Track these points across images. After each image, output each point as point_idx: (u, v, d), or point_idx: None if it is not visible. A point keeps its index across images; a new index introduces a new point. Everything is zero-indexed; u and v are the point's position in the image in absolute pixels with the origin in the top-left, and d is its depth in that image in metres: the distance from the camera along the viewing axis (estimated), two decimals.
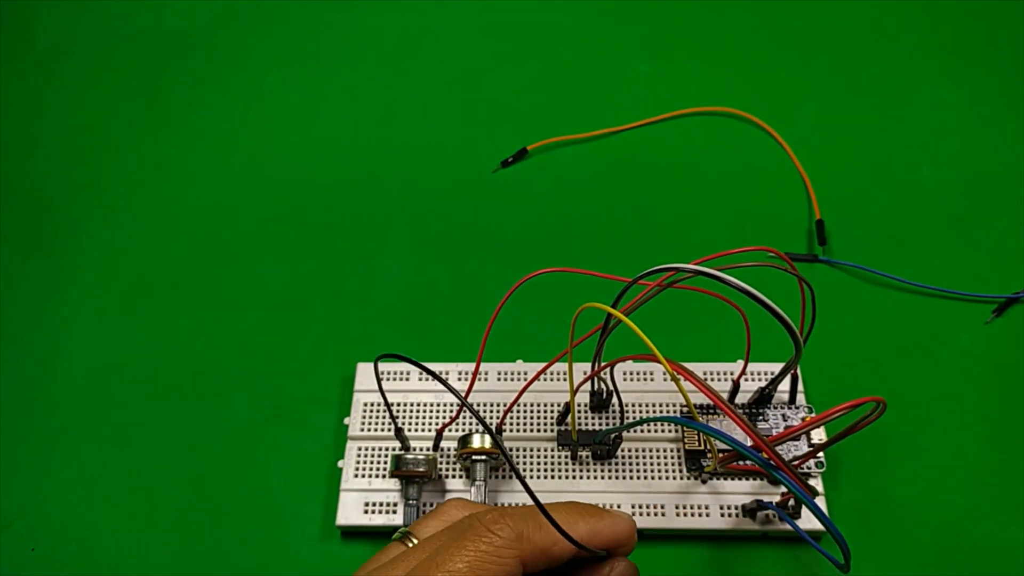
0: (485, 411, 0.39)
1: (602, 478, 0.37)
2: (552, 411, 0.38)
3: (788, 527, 0.34)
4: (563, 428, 0.38)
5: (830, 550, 0.31)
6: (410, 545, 0.26)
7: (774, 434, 0.37)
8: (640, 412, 0.38)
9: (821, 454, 0.36)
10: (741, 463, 0.36)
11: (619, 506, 0.36)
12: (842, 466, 0.38)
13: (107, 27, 0.56)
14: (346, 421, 0.38)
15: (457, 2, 0.56)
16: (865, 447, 0.38)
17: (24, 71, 0.54)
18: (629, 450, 0.37)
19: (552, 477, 0.37)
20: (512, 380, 0.39)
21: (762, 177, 0.48)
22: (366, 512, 0.36)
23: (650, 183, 0.48)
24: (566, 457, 0.37)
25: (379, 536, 0.37)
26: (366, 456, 0.37)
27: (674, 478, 0.36)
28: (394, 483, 0.37)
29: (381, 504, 0.36)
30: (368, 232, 0.46)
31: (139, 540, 0.37)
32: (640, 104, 0.51)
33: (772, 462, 0.28)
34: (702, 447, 0.36)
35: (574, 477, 0.37)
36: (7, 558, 0.37)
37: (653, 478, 0.36)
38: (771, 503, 0.34)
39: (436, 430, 0.37)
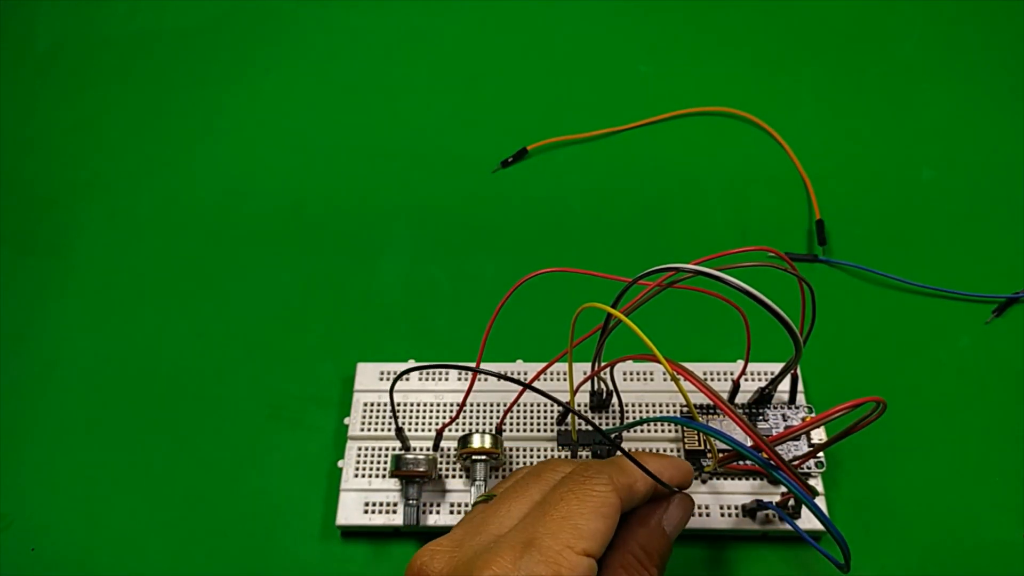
0: (485, 411, 0.39)
1: None
2: (552, 411, 0.38)
3: (788, 527, 0.34)
4: (563, 428, 0.38)
5: (830, 550, 0.31)
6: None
7: (774, 434, 0.37)
8: (640, 412, 0.38)
9: (821, 454, 0.36)
10: (741, 463, 0.36)
11: None
12: (842, 466, 0.38)
13: (107, 27, 0.56)
14: (346, 421, 0.38)
15: (458, 2, 0.56)
16: (865, 447, 0.38)
17: (24, 71, 0.54)
18: (629, 450, 0.37)
19: None
20: None
21: (762, 177, 0.48)
22: (366, 512, 0.36)
23: (650, 183, 0.48)
24: (566, 457, 0.37)
25: (379, 536, 0.37)
26: (366, 456, 0.37)
27: None
28: (394, 483, 0.37)
29: (381, 504, 0.36)
30: (368, 232, 0.46)
31: (139, 540, 0.37)
32: (640, 104, 0.51)
33: (772, 462, 0.28)
34: (702, 447, 0.36)
35: None
36: (7, 558, 0.37)
37: None
38: (771, 503, 0.34)
39: (436, 430, 0.37)
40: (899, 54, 0.53)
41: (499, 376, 0.30)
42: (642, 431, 0.38)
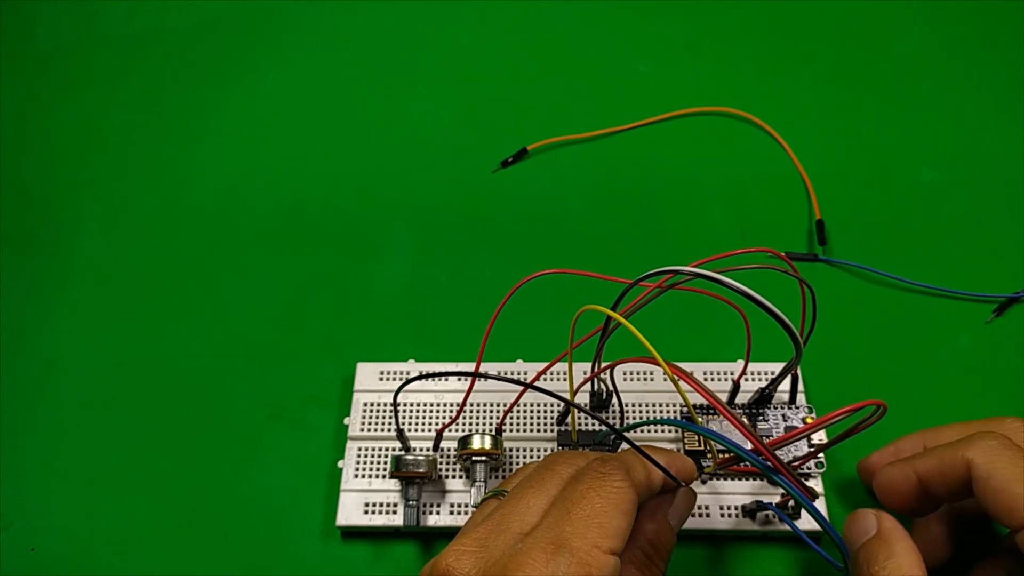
0: (485, 411, 0.39)
1: None
2: (552, 411, 0.38)
3: (788, 527, 0.34)
4: (563, 428, 0.38)
5: (830, 551, 0.31)
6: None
7: (774, 435, 0.37)
8: (640, 412, 0.38)
9: (821, 455, 0.36)
10: (741, 464, 0.36)
11: None
12: (842, 466, 0.38)
13: (107, 27, 0.56)
14: (346, 421, 0.38)
15: (458, 3, 0.56)
16: (865, 447, 0.38)
17: (24, 71, 0.54)
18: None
19: None
20: None
21: (762, 177, 0.48)
22: (366, 512, 0.36)
23: (650, 183, 0.48)
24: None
25: (379, 536, 0.37)
26: (366, 456, 0.37)
27: None
28: (394, 483, 0.37)
29: (381, 504, 0.36)
30: (368, 232, 0.46)
31: (139, 540, 0.37)
32: (640, 104, 0.51)
33: (771, 466, 0.28)
34: (702, 447, 0.36)
35: None
36: (7, 558, 0.37)
37: None
38: (771, 504, 0.34)
39: (436, 431, 0.37)
40: (899, 54, 0.53)
41: (499, 378, 0.30)
42: (642, 431, 0.38)
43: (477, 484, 0.35)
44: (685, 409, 0.38)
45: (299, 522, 0.37)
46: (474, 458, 0.35)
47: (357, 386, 0.39)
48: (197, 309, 0.44)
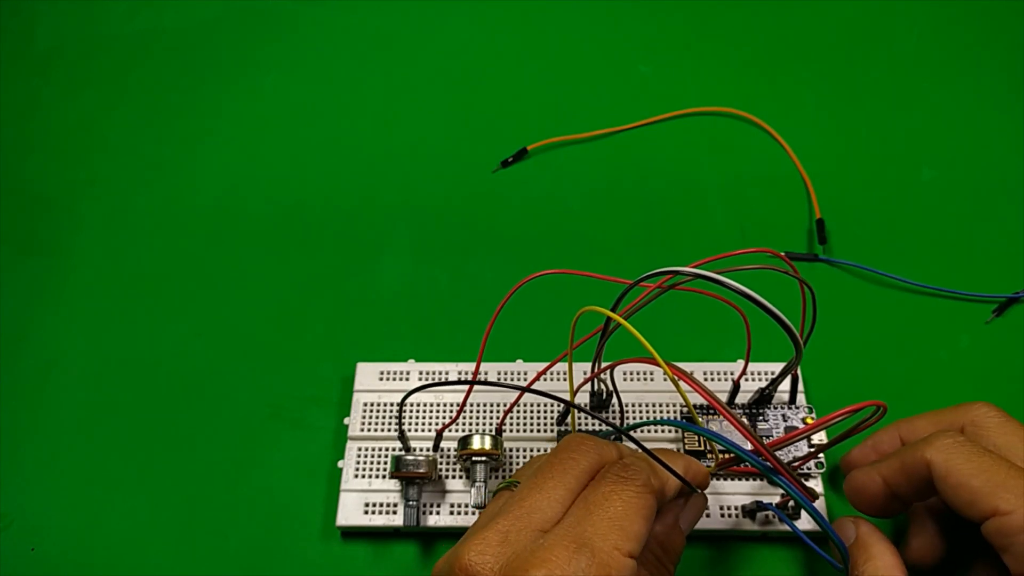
0: (485, 411, 0.39)
1: None
2: (552, 411, 0.38)
3: (788, 528, 0.34)
4: (563, 428, 0.38)
5: (830, 551, 0.31)
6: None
7: (774, 436, 0.37)
8: (640, 413, 0.38)
9: (821, 455, 0.36)
10: (741, 465, 0.35)
11: None
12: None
13: (107, 27, 0.56)
14: (346, 421, 0.38)
15: (458, 2, 0.56)
16: None
17: (24, 71, 0.54)
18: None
19: None
20: (512, 380, 0.39)
21: (762, 177, 0.48)
22: (366, 513, 0.36)
23: (650, 183, 0.48)
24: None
25: (379, 536, 0.37)
26: (366, 456, 0.37)
27: None
28: (394, 484, 0.37)
29: (381, 504, 0.36)
30: (368, 232, 0.46)
31: (139, 540, 0.37)
32: (640, 104, 0.51)
33: (771, 466, 0.28)
34: (702, 448, 0.36)
35: None
36: (7, 558, 0.37)
37: None
38: (771, 504, 0.34)
39: (436, 431, 0.37)
40: (899, 54, 0.53)
41: (498, 384, 0.30)
42: (642, 432, 0.38)
43: (477, 484, 0.35)
44: (685, 409, 0.38)
45: (299, 522, 0.37)
46: (474, 458, 0.35)
47: (357, 386, 0.39)
48: (197, 309, 0.44)
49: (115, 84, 0.53)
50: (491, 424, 0.38)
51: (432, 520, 0.36)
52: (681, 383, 0.29)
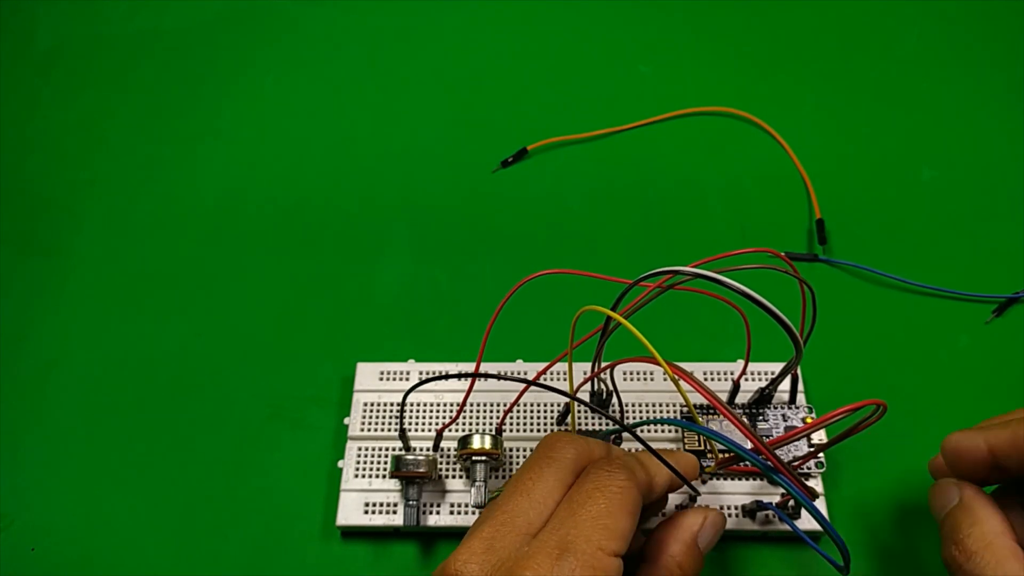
0: (485, 411, 0.39)
1: None
2: (552, 411, 0.38)
3: (788, 527, 0.34)
4: (563, 428, 0.38)
5: (830, 551, 0.31)
6: None
7: (774, 435, 0.37)
8: (640, 412, 0.38)
9: (821, 455, 0.36)
10: (742, 464, 0.36)
11: None
12: (842, 466, 0.38)
13: (107, 27, 0.56)
14: (346, 421, 0.38)
15: (458, 2, 0.56)
16: (865, 447, 0.38)
17: (24, 71, 0.54)
18: (629, 450, 0.37)
19: None
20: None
21: (762, 177, 0.48)
22: (366, 512, 0.36)
23: (650, 183, 0.48)
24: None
25: (379, 536, 0.37)
26: (366, 456, 0.37)
27: None
28: (394, 483, 0.37)
29: (381, 504, 0.36)
30: (368, 232, 0.46)
31: (139, 540, 0.37)
32: (640, 104, 0.51)
33: (771, 465, 0.28)
34: (702, 447, 0.36)
35: None
36: (7, 558, 0.37)
37: None
38: (771, 504, 0.34)
39: (436, 430, 0.37)
40: (898, 54, 0.53)
41: (499, 377, 0.30)
42: (641, 432, 0.37)
43: (477, 484, 0.35)
44: (685, 409, 0.38)
45: (299, 522, 0.37)
46: (474, 458, 0.35)
47: (357, 386, 0.39)
48: (197, 309, 0.44)
49: (115, 84, 0.53)
50: (491, 424, 0.38)
51: (432, 520, 0.36)
52: (681, 382, 0.29)
